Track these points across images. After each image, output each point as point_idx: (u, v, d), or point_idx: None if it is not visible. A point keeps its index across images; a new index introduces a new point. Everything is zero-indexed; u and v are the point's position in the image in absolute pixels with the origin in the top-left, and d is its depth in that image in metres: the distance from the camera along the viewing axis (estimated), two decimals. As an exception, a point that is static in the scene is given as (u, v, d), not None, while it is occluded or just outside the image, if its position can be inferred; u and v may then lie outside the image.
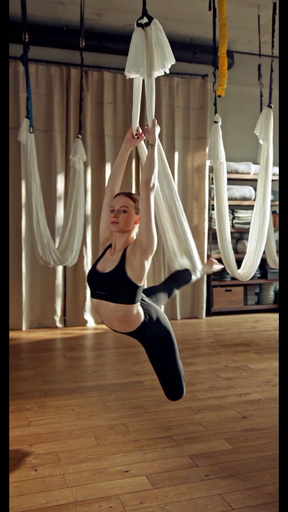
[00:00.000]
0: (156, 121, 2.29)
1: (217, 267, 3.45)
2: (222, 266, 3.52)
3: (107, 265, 2.30)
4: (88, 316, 5.85)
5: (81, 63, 4.87)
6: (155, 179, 2.20)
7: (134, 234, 2.36)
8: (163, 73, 2.28)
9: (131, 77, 2.30)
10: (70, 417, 3.08)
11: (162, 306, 2.76)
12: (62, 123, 5.72)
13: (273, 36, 3.63)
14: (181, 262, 2.80)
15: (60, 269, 5.68)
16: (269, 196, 3.67)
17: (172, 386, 2.53)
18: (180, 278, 3.02)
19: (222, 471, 2.41)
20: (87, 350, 4.92)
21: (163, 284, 2.97)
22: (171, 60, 2.23)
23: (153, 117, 2.30)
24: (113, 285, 2.23)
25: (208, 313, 6.46)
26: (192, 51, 6.01)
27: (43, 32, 5.50)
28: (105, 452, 2.61)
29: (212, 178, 6.36)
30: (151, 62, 2.23)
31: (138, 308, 2.30)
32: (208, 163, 5.90)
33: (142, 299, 2.36)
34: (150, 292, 2.71)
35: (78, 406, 3.25)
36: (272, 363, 4.27)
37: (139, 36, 2.20)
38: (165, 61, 2.23)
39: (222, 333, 5.49)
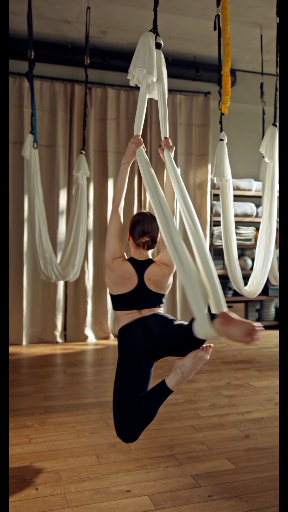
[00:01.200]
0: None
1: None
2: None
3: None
4: (88, 332, 5.83)
5: (85, 80, 4.93)
6: None
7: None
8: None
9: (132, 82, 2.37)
10: (71, 434, 3.05)
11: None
12: (66, 139, 5.76)
13: (277, 56, 3.66)
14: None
15: (61, 284, 5.67)
16: (275, 214, 3.68)
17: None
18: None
19: (225, 492, 2.38)
20: (88, 366, 4.89)
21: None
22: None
23: (167, 135, 2.40)
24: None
25: (209, 330, 6.41)
26: (195, 69, 6.07)
27: (49, 49, 5.57)
28: (107, 471, 2.58)
29: (214, 195, 6.38)
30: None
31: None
32: (210, 179, 5.95)
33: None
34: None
35: (79, 423, 3.22)
36: (274, 381, 4.24)
37: (148, 40, 2.29)
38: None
39: (223, 350, 5.46)
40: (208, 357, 2.26)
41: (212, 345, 2.27)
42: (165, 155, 2.36)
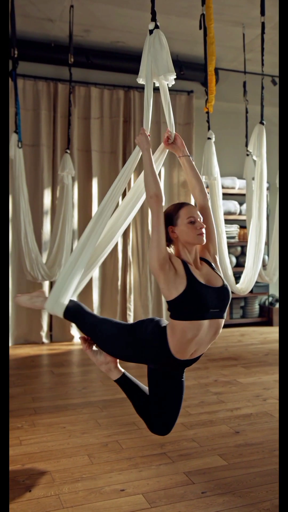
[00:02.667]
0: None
1: None
2: None
3: (212, 280, 2.10)
4: (74, 332, 5.80)
5: (69, 79, 4.90)
6: None
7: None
8: (167, 82, 2.27)
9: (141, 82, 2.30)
10: (62, 435, 3.04)
11: None
12: (49, 138, 5.72)
13: (262, 55, 3.70)
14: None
15: (47, 284, 5.64)
16: (265, 212, 3.73)
17: (163, 427, 2.34)
18: None
19: (218, 488, 2.40)
20: (75, 366, 4.87)
21: None
22: (164, 70, 2.19)
23: (174, 128, 2.31)
24: (227, 299, 2.09)
25: (195, 327, 6.45)
26: (178, 68, 6.07)
27: (31, 48, 5.53)
28: (100, 470, 2.57)
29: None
30: (148, 72, 2.24)
31: None
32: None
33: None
34: None
35: (69, 424, 3.21)
36: (261, 377, 4.29)
37: (146, 43, 2.24)
38: (159, 70, 2.20)
39: (210, 347, 5.47)
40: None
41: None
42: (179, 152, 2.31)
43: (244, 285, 3.81)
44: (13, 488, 2.40)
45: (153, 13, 2.26)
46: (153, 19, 2.26)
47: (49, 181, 5.70)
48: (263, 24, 3.65)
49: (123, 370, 2.41)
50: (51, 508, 2.22)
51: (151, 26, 2.25)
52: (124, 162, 5.88)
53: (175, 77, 2.26)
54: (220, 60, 6.18)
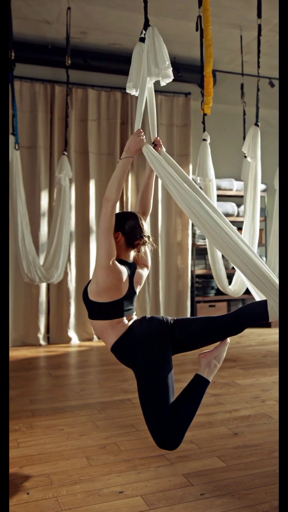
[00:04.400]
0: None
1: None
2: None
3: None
4: (72, 333, 5.80)
5: (67, 81, 4.90)
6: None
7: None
8: (163, 81, 2.28)
9: (129, 92, 2.32)
10: (60, 437, 3.03)
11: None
12: (46, 140, 5.72)
13: (258, 57, 3.71)
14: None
15: (44, 286, 5.64)
16: (258, 213, 3.72)
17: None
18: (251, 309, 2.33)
19: (217, 490, 2.39)
20: (73, 368, 4.86)
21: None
22: (164, 66, 2.21)
23: (156, 135, 2.36)
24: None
25: (192, 329, 6.45)
26: (175, 70, 6.07)
27: (28, 50, 5.54)
28: (98, 472, 2.56)
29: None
30: (144, 72, 2.25)
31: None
32: (191, 179, 5.98)
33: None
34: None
35: (67, 426, 3.20)
36: (259, 378, 4.28)
37: (136, 51, 2.25)
38: (158, 69, 2.21)
39: (207, 349, 5.47)
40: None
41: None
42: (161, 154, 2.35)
43: (237, 287, 3.80)
44: (11, 490, 2.38)
45: (146, 21, 2.27)
46: (145, 28, 2.27)
47: (46, 183, 5.69)
48: (259, 26, 3.66)
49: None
50: (49, 511, 2.20)
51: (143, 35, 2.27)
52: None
53: (171, 78, 2.26)
54: (218, 62, 6.19)
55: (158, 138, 2.39)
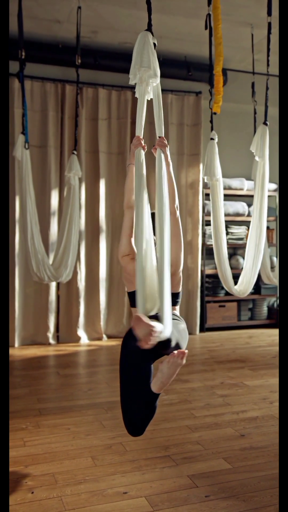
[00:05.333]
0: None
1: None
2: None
3: None
4: (81, 333, 5.80)
5: (76, 80, 4.90)
6: None
7: None
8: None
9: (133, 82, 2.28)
10: (66, 436, 3.03)
11: None
12: (57, 139, 5.73)
13: (268, 55, 3.67)
14: None
15: (53, 285, 5.65)
16: (266, 213, 3.69)
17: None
18: None
19: (222, 492, 2.38)
20: (81, 367, 4.87)
21: None
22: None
23: (163, 134, 2.33)
24: None
25: (202, 329, 6.43)
26: (186, 69, 6.06)
27: (39, 49, 5.54)
28: (103, 473, 2.56)
29: (206, 194, 6.39)
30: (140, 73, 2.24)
31: None
32: (201, 179, 5.94)
33: None
34: None
35: (73, 425, 3.20)
36: (268, 379, 4.25)
37: (149, 40, 2.23)
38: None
39: (217, 349, 5.47)
40: (183, 362, 2.23)
41: (186, 351, 2.22)
42: (156, 154, 2.32)
43: (243, 287, 3.76)
44: (15, 489, 2.39)
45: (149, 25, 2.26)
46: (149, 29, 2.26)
47: (57, 182, 5.70)
48: (269, 24, 3.62)
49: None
50: (53, 510, 2.20)
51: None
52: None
53: (155, 75, 2.23)
54: (229, 61, 6.16)
55: (161, 137, 2.34)
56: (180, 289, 2.48)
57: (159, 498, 2.31)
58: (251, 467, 2.64)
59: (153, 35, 2.27)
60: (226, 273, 3.75)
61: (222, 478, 2.51)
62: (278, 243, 4.67)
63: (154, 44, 2.28)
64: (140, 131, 2.35)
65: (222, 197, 3.72)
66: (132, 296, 2.32)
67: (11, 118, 5.48)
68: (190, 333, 6.23)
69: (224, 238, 3.77)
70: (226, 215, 6.45)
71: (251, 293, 6.62)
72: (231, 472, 2.58)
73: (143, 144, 2.33)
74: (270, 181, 5.32)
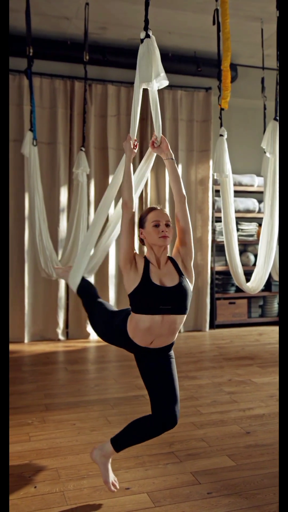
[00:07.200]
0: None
1: None
2: None
3: (165, 279, 2.22)
4: (90, 329, 5.82)
5: (85, 77, 4.90)
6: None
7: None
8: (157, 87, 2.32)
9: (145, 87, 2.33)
10: (71, 432, 3.04)
11: None
12: (66, 136, 5.74)
13: (278, 50, 3.63)
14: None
15: (62, 281, 5.67)
16: (277, 210, 3.65)
17: (167, 410, 2.23)
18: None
19: (225, 489, 2.37)
20: (89, 363, 4.88)
21: None
22: (149, 77, 2.27)
23: (161, 132, 2.36)
24: (181, 298, 2.20)
25: (212, 326, 6.41)
26: (195, 65, 6.03)
27: (48, 46, 5.55)
28: (106, 468, 2.56)
29: (215, 191, 6.36)
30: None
31: None
32: (211, 175, 5.91)
33: None
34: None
35: (79, 421, 3.21)
36: (276, 377, 4.22)
37: (148, 48, 2.30)
38: (147, 77, 2.27)
39: (226, 346, 5.44)
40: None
41: None
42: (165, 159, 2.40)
43: (255, 284, 3.74)
44: (19, 483, 2.41)
45: (146, 21, 2.27)
46: (145, 28, 2.28)
47: (66, 179, 5.72)
48: (278, 19, 3.58)
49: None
50: (55, 505, 2.22)
51: (142, 35, 2.30)
52: (140, 159, 5.86)
53: (166, 83, 2.30)
54: (239, 56, 6.11)
55: (155, 137, 2.39)
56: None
57: (161, 494, 2.31)
58: (255, 464, 2.63)
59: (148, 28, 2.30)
60: (237, 270, 3.72)
61: (225, 475, 2.50)
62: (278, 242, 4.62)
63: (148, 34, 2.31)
64: (133, 132, 2.42)
65: (232, 193, 3.69)
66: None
67: (20, 115, 5.51)
68: (199, 330, 6.27)
69: (235, 234, 3.74)
70: (237, 211, 6.41)
71: (262, 290, 6.57)
72: (234, 469, 2.57)
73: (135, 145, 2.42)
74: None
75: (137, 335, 2.22)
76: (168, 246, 2.30)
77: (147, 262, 2.26)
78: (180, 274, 2.25)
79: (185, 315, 2.26)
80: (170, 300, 2.17)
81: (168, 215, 2.33)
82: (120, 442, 2.30)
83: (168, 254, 2.33)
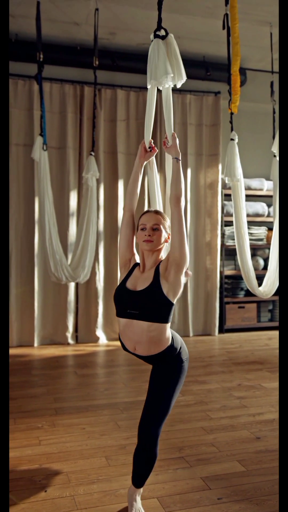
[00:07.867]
0: (175, 134, 2.27)
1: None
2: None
3: (139, 283, 2.14)
4: (100, 333, 5.83)
5: (94, 82, 4.93)
6: (183, 193, 2.18)
7: (163, 252, 2.25)
8: (172, 85, 2.33)
9: (158, 86, 2.34)
10: (81, 436, 3.04)
11: None
12: (76, 141, 5.77)
13: (279, 50, 3.63)
14: None
15: (72, 285, 5.68)
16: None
17: (147, 428, 2.13)
18: None
19: (235, 495, 2.36)
20: (99, 367, 4.89)
21: None
22: (183, 75, 2.32)
23: (172, 131, 2.29)
24: (147, 303, 2.08)
25: (221, 330, 6.40)
26: (204, 69, 6.04)
27: (58, 52, 5.59)
28: (116, 473, 2.57)
29: (224, 195, 6.35)
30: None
31: (168, 329, 2.15)
32: (221, 179, 5.90)
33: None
34: None
35: (89, 425, 3.22)
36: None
37: (161, 46, 2.29)
38: (179, 75, 2.30)
39: (235, 351, 5.42)
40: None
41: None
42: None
43: (267, 288, 3.73)
44: (29, 487, 2.41)
45: (159, 20, 2.31)
46: (159, 26, 2.34)
47: (75, 183, 5.74)
48: (279, 21, 3.58)
49: None
50: (65, 509, 2.22)
51: (152, 37, 2.34)
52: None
53: (172, 83, 2.32)
54: (248, 60, 6.12)
55: (165, 139, 2.33)
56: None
57: (171, 500, 2.30)
58: (266, 470, 2.61)
59: (166, 32, 2.31)
60: (249, 274, 3.70)
61: (235, 481, 2.49)
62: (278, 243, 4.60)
63: (164, 36, 2.31)
64: (149, 134, 2.38)
65: (244, 197, 3.68)
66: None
67: (30, 120, 5.54)
68: (209, 334, 6.25)
69: (247, 238, 3.73)
70: (246, 215, 6.38)
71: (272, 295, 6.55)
72: (245, 475, 2.56)
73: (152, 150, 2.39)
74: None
75: (121, 337, 2.22)
76: (163, 251, 2.24)
77: (134, 266, 2.25)
78: (156, 279, 2.11)
79: (165, 324, 2.09)
80: (137, 305, 2.09)
81: (162, 218, 2.22)
82: (132, 476, 2.23)
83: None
